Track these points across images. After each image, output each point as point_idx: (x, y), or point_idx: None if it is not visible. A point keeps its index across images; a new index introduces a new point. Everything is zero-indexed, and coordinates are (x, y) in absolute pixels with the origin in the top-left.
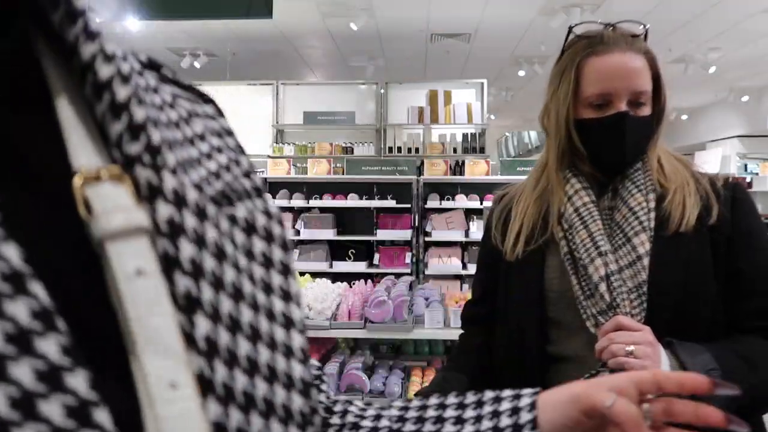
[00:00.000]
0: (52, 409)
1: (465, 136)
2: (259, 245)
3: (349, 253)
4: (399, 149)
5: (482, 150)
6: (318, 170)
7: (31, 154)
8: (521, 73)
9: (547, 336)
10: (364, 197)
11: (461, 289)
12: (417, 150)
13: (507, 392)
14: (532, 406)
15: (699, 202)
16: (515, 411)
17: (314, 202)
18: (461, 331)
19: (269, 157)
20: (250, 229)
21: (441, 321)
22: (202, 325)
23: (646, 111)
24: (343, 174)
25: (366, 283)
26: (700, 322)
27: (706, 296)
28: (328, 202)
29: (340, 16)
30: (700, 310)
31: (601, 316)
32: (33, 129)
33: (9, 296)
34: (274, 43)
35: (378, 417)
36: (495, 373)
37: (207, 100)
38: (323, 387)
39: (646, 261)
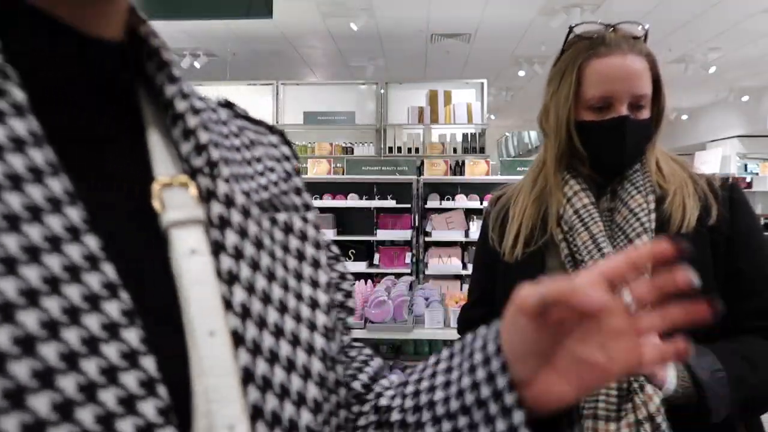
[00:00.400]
0: (111, 351)
1: (465, 136)
2: (294, 242)
3: (349, 253)
4: (399, 149)
5: (482, 150)
6: (318, 170)
7: (123, 168)
8: (521, 73)
9: None
10: (364, 197)
11: (461, 289)
12: (417, 150)
13: (482, 329)
14: (497, 333)
15: (698, 203)
16: (485, 344)
17: (314, 202)
18: (458, 336)
19: None
20: (287, 229)
21: (441, 321)
22: (239, 295)
23: (645, 114)
24: (343, 174)
25: (366, 283)
26: (699, 327)
27: (707, 297)
28: (328, 202)
29: (340, 16)
30: None
31: None
32: (128, 149)
33: (87, 270)
34: (274, 43)
35: (402, 384)
36: None
37: (275, 131)
38: (367, 369)
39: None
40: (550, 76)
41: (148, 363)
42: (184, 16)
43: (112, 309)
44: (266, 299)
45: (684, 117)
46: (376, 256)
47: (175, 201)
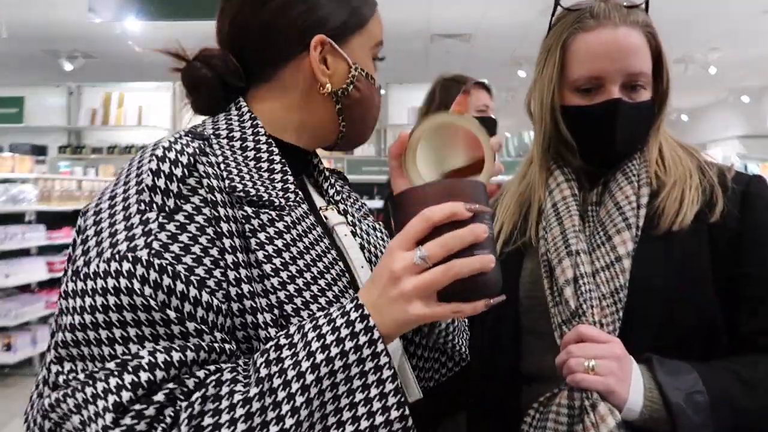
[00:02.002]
0: (334, 272)
1: None
2: (377, 227)
3: None
4: None
5: None
6: None
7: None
8: (522, 73)
9: (522, 346)
10: (364, 197)
11: None
12: None
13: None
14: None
15: (700, 197)
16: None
17: None
18: None
19: None
20: (373, 227)
21: None
22: (365, 251)
23: (644, 95)
24: None
25: None
26: (693, 336)
27: (701, 306)
28: None
29: None
30: (694, 322)
31: (565, 326)
32: (307, 197)
33: (328, 250)
34: None
35: None
36: (472, 378)
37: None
38: None
39: (626, 263)
40: (538, 57)
41: (339, 266)
42: (184, 17)
43: (332, 254)
44: (375, 252)
45: (684, 117)
46: None
47: (331, 216)
